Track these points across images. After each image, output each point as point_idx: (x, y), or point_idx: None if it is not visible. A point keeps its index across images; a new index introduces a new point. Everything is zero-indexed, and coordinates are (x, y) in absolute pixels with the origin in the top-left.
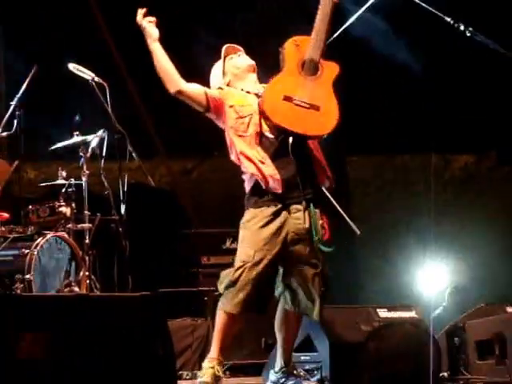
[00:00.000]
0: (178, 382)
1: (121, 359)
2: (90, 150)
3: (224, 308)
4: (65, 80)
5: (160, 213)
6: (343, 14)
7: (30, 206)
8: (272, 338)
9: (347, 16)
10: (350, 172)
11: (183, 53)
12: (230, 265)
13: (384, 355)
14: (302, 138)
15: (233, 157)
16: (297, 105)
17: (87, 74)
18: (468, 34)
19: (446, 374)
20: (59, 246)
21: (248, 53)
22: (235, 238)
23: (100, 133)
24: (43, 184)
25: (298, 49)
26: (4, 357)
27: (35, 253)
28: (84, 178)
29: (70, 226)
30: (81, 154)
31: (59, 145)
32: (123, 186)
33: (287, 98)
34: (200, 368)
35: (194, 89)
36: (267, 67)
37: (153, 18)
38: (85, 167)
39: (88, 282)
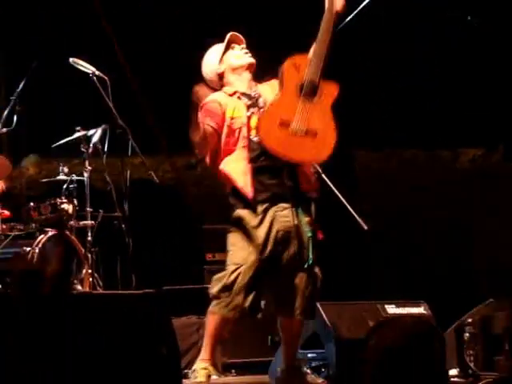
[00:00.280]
0: (183, 381)
1: (124, 358)
2: (91, 145)
3: (219, 312)
4: (66, 75)
5: (163, 209)
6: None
7: (32, 203)
8: (278, 335)
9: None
10: (357, 167)
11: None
12: None
13: (384, 351)
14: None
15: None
16: (293, 133)
17: (88, 69)
18: (475, 25)
19: (455, 370)
20: (61, 244)
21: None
22: None
23: (102, 128)
24: (44, 180)
25: (296, 69)
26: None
27: (37, 251)
28: (86, 174)
29: (72, 223)
30: (82, 149)
31: (61, 142)
32: (126, 182)
33: (283, 124)
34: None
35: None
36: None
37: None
38: (87, 163)
39: (91, 279)
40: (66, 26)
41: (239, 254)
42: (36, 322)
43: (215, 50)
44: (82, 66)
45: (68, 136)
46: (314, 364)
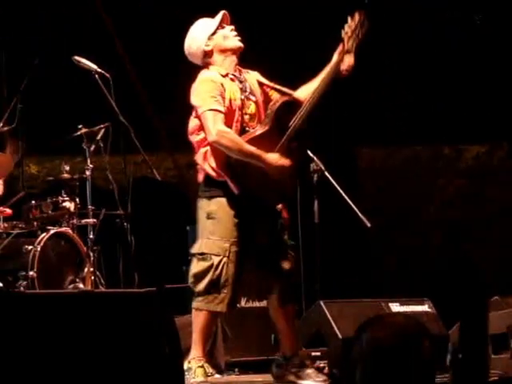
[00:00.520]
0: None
1: (126, 357)
2: (93, 143)
3: (207, 308)
4: (67, 72)
5: (166, 207)
6: None
7: (33, 202)
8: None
9: None
10: (359, 164)
11: None
12: None
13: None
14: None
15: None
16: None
17: (90, 66)
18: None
19: None
20: (63, 242)
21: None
22: None
23: (104, 126)
24: (47, 179)
25: (288, 112)
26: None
27: (38, 249)
28: (88, 172)
29: (73, 221)
30: (84, 147)
31: (63, 140)
32: (128, 180)
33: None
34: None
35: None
36: None
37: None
38: (88, 161)
39: (93, 278)
40: (68, 23)
41: (219, 245)
42: (37, 321)
43: (204, 25)
44: (84, 63)
45: (70, 134)
46: (317, 362)
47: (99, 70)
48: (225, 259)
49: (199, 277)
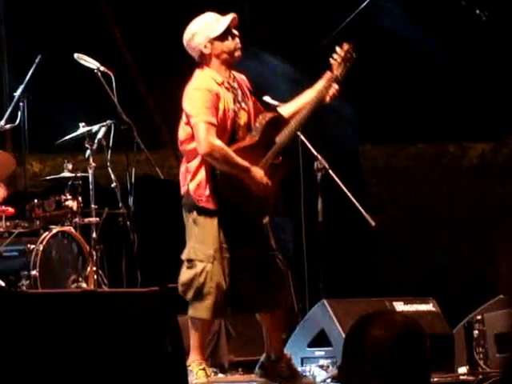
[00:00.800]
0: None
1: (129, 356)
2: (96, 141)
3: (196, 315)
4: (70, 70)
5: (169, 205)
6: None
7: (36, 200)
8: (286, 332)
9: None
10: (363, 162)
11: None
12: None
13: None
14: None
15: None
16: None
17: (92, 64)
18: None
19: (464, 368)
20: (66, 241)
21: None
22: None
23: (106, 124)
24: (49, 177)
25: (275, 128)
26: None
27: (41, 248)
28: (90, 171)
29: (76, 220)
30: (87, 145)
31: (65, 138)
32: (131, 179)
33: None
34: (210, 365)
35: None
36: None
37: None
38: (91, 159)
39: (96, 277)
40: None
41: (203, 251)
42: (39, 321)
43: (209, 23)
44: (86, 61)
45: (72, 132)
46: (321, 362)
47: (101, 67)
48: (209, 266)
49: (187, 284)
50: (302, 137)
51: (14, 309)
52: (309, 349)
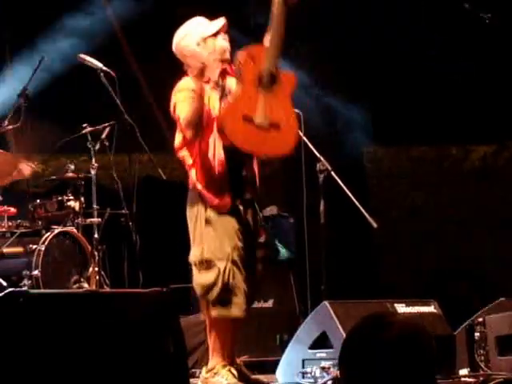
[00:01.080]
0: (191, 380)
1: (131, 357)
2: (98, 142)
3: (226, 314)
4: (73, 71)
5: (171, 206)
6: None
7: (38, 201)
8: (287, 333)
9: None
10: (366, 164)
11: None
12: None
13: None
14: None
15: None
16: (258, 127)
17: (95, 65)
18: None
19: (466, 370)
20: (68, 242)
21: None
22: None
23: (109, 124)
24: (51, 178)
25: (252, 60)
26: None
27: (43, 248)
28: (93, 172)
29: (78, 220)
30: (89, 146)
31: (68, 138)
32: (133, 180)
33: (247, 118)
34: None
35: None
36: None
37: None
38: (94, 160)
39: (98, 278)
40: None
41: (222, 249)
42: (41, 321)
43: (203, 24)
44: (89, 62)
45: (75, 133)
46: (322, 364)
47: (104, 68)
48: (229, 264)
49: (209, 285)
50: (305, 138)
51: (16, 309)
52: (310, 350)
